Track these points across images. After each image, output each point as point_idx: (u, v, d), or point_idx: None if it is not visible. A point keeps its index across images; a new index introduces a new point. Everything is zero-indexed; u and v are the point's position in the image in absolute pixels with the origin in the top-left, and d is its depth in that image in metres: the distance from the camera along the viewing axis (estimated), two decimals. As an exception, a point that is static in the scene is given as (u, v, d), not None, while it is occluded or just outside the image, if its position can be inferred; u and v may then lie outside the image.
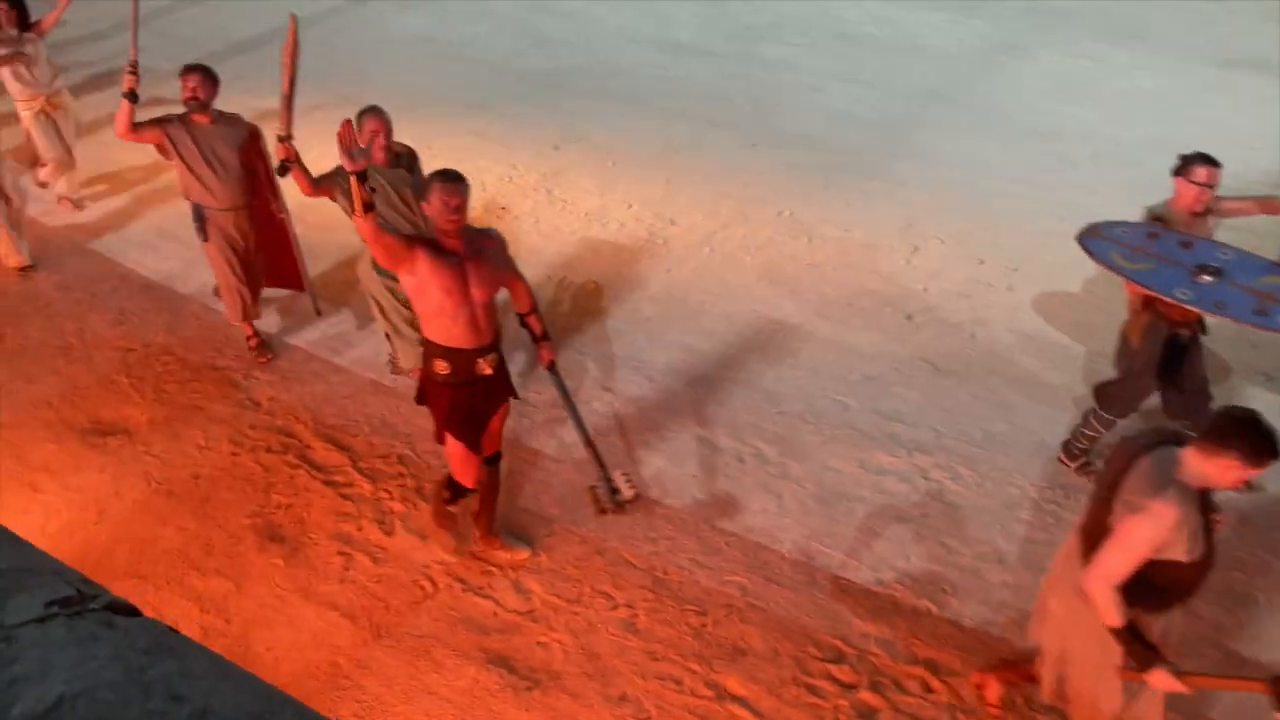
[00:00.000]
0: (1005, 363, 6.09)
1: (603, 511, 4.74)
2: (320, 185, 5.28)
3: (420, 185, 4.91)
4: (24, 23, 7.28)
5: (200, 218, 5.88)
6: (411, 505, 5.14)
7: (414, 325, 5.33)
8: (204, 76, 5.65)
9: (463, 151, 8.60)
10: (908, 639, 4.44)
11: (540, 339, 4.55)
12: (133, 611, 1.28)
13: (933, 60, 10.11)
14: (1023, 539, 4.92)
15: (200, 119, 5.70)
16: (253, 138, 5.88)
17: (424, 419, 5.67)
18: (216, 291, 6.32)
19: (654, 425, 5.65)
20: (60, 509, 5.16)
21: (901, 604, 4.60)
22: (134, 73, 5.58)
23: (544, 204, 7.83)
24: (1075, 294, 6.65)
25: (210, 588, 4.73)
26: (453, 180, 3.99)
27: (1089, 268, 6.68)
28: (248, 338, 6.28)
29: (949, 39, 10.57)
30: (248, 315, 6.17)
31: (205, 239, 5.93)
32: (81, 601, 1.25)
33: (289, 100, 5.14)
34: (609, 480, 4.73)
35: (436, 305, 4.05)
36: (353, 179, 3.71)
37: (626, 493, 4.70)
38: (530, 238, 7.39)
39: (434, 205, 3.98)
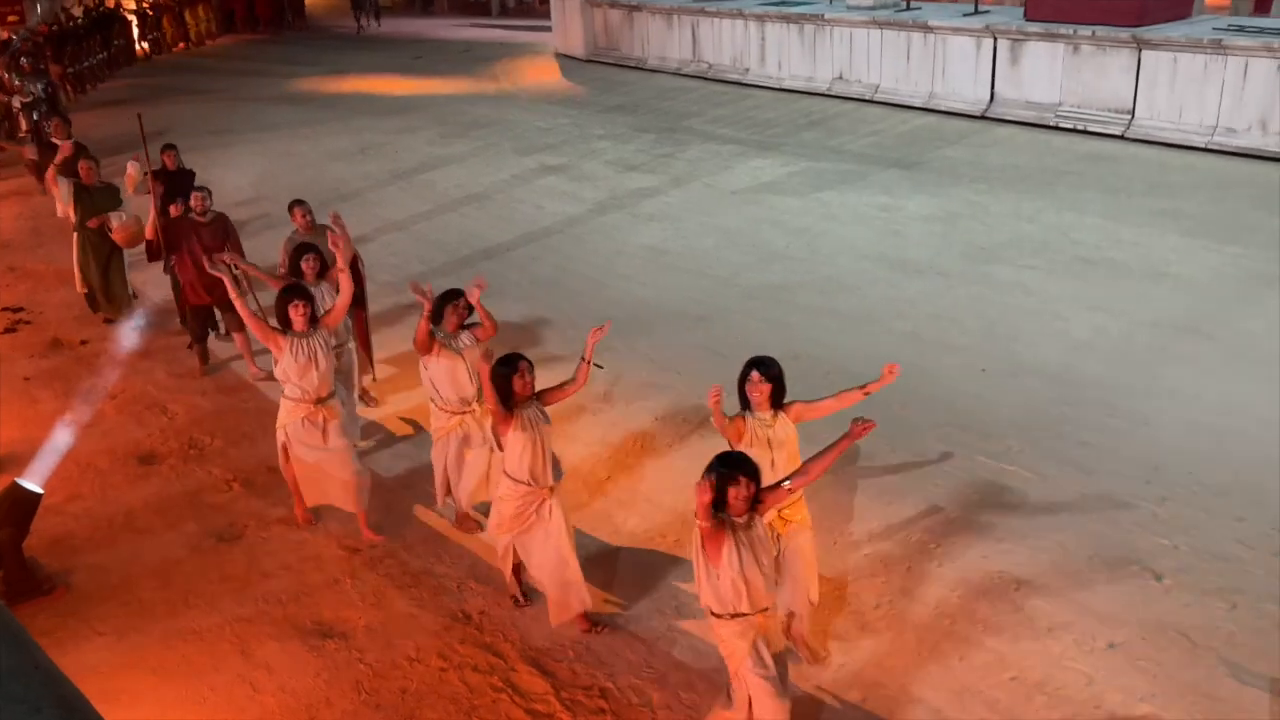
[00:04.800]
0: (1273, 643, 5.40)
1: None
2: None
3: None
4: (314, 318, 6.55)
5: None
6: (610, 746, 4.97)
7: None
8: None
9: (689, 363, 8.74)
10: None
11: None
12: None
13: (1183, 290, 9.57)
14: None
15: None
16: None
17: (630, 650, 5.57)
18: None
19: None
20: (274, 712, 5.29)
21: None
22: None
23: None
24: (1359, 566, 5.89)
25: (404, 816, 4.67)
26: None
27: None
28: None
29: (1201, 267, 10.02)
30: None
31: None
32: None
33: None
34: None
35: None
36: None
37: None
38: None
39: None
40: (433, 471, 6.73)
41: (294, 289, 6.53)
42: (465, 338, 6.39)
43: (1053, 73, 14.97)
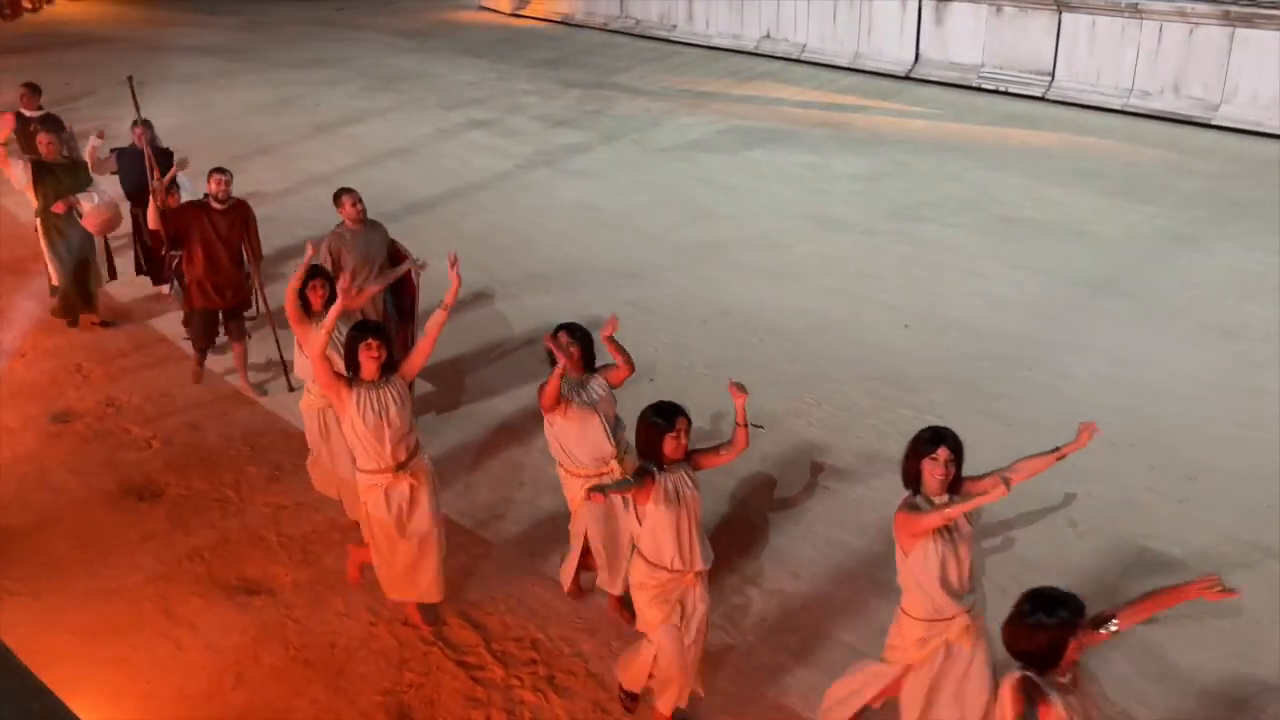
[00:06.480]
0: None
1: None
2: None
3: None
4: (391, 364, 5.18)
5: None
6: (542, 696, 4.98)
7: None
8: None
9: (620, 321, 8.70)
10: None
11: None
12: None
13: (1100, 248, 9.83)
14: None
15: None
16: None
17: (560, 601, 5.59)
18: None
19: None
20: (201, 669, 5.20)
21: None
22: None
23: (690, 379, 7.81)
24: (1258, 509, 6.14)
25: (335, 770, 4.64)
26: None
27: (1272, 482, 6.26)
28: None
29: (1117, 226, 10.29)
30: None
31: None
32: None
33: None
34: None
35: None
36: None
37: None
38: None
39: None
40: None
41: (368, 327, 5.20)
42: (596, 385, 5.29)
43: (976, 34, 15.18)
